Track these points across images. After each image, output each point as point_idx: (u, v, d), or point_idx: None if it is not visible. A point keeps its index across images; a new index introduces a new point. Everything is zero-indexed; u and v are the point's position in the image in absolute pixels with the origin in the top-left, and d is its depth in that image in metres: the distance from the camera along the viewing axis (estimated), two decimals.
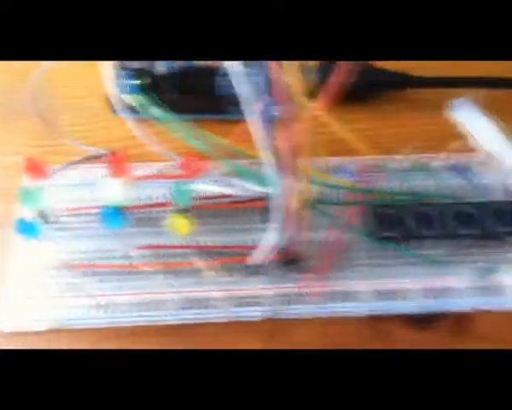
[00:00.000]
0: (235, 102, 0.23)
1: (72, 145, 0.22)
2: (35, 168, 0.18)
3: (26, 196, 0.17)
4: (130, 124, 0.20)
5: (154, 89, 0.22)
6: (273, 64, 0.14)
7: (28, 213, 0.18)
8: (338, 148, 0.22)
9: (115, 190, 0.18)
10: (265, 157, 0.15)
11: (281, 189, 0.15)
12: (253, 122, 0.14)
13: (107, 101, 0.24)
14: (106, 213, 0.17)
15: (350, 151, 0.21)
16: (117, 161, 0.18)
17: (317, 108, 0.18)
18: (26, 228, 0.17)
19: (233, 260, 0.19)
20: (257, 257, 0.17)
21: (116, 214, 0.17)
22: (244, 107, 0.14)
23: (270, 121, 0.15)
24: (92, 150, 0.22)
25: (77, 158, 0.19)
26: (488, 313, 0.20)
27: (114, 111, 0.23)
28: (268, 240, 0.16)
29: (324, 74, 0.18)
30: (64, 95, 0.25)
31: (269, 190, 0.18)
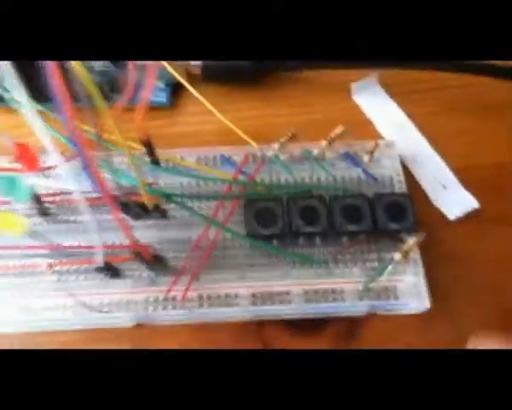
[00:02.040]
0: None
1: None
2: None
3: None
4: None
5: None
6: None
7: None
8: (221, 137, 0.20)
9: None
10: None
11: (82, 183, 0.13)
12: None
13: None
14: None
15: (232, 140, 0.20)
16: None
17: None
18: None
19: (83, 262, 0.17)
20: (99, 258, 0.15)
21: None
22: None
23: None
24: None
25: None
26: (377, 317, 0.18)
27: None
28: (96, 239, 0.14)
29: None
30: None
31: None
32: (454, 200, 0.20)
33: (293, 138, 0.19)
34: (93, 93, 0.12)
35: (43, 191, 0.17)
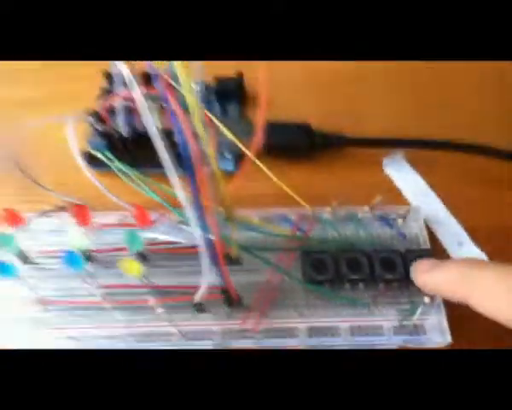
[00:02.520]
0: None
1: (48, 195, 0.25)
2: (12, 217, 0.20)
3: (3, 240, 0.20)
4: (94, 177, 0.23)
5: (118, 146, 0.26)
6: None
7: (5, 256, 0.21)
8: (280, 200, 0.25)
9: (77, 237, 0.21)
10: (187, 208, 0.17)
11: (206, 235, 0.18)
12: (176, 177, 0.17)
13: (81, 155, 0.27)
14: (67, 257, 0.20)
15: (290, 203, 0.25)
16: (79, 212, 0.21)
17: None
18: (3, 269, 0.20)
19: (180, 298, 0.21)
20: (198, 297, 0.20)
21: (76, 258, 0.20)
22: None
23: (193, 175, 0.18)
24: (65, 199, 0.25)
25: (48, 207, 0.22)
26: (410, 350, 0.22)
27: (86, 164, 0.27)
28: (204, 281, 0.19)
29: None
30: (42, 149, 0.28)
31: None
32: (467, 254, 0.25)
33: (340, 203, 0.24)
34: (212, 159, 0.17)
35: (151, 242, 0.22)
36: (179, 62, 0.16)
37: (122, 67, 0.18)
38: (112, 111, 0.26)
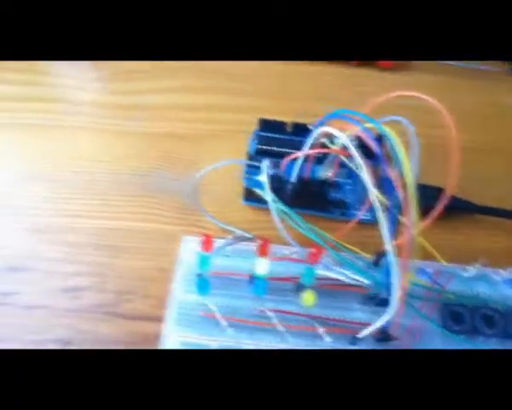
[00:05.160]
0: (340, 205, 0.31)
1: (211, 223, 0.29)
2: (208, 241, 0.24)
3: (202, 260, 0.24)
4: (275, 217, 0.26)
5: (282, 188, 0.30)
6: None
7: (200, 273, 0.25)
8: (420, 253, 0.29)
9: (263, 266, 0.24)
10: (389, 253, 0.21)
11: (398, 282, 0.21)
12: (382, 225, 0.21)
13: (241, 191, 0.31)
14: (255, 282, 0.23)
15: (428, 257, 0.28)
16: (265, 244, 0.25)
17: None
18: (202, 284, 0.24)
19: (345, 330, 0.25)
20: (367, 332, 0.23)
21: (262, 284, 0.23)
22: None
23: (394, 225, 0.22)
24: (226, 228, 0.29)
25: (230, 237, 0.26)
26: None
27: (246, 199, 0.31)
28: (381, 321, 0.22)
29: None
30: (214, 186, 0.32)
31: (365, 279, 0.25)
32: None
33: (474, 262, 0.28)
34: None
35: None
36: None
37: (340, 134, 0.23)
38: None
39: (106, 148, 0.34)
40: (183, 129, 0.35)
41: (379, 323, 0.22)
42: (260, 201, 0.30)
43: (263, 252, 0.25)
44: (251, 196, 0.31)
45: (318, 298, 0.26)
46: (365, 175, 0.22)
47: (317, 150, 0.27)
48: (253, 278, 0.25)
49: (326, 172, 0.30)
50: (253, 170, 0.31)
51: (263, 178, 0.28)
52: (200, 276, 0.25)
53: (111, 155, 0.33)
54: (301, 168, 0.29)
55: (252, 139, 0.33)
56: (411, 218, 0.21)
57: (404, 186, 0.21)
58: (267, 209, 0.28)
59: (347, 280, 0.26)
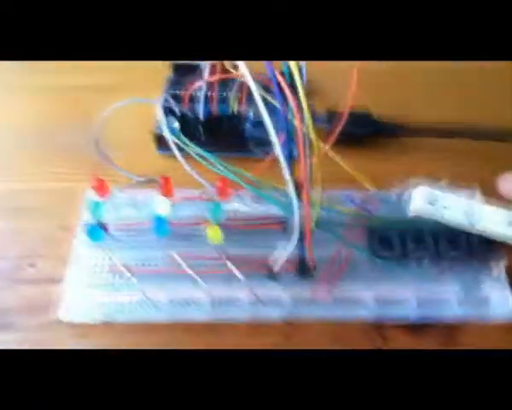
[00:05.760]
0: (258, 143, 0.28)
1: (123, 175, 0.27)
2: (101, 186, 0.22)
3: (93, 207, 0.22)
4: (180, 159, 0.24)
5: (195, 130, 0.27)
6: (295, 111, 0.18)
7: (92, 222, 0.22)
8: (344, 183, 0.26)
9: (164, 206, 0.22)
10: (288, 187, 0.19)
11: (299, 212, 0.19)
12: (279, 159, 0.19)
13: (155, 139, 0.29)
14: (156, 222, 0.21)
15: (354, 184, 0.26)
16: (166, 184, 0.22)
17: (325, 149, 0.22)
18: (93, 232, 0.22)
19: (257, 267, 0.22)
20: (277, 265, 0.21)
21: (163, 225, 0.21)
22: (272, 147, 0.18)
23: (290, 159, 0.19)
24: (140, 180, 0.26)
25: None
26: (474, 323, 0.23)
27: (160, 148, 0.29)
28: (286, 251, 0.20)
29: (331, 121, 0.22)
30: (119, 133, 0.30)
31: (286, 213, 0.23)
32: None
33: (402, 185, 0.26)
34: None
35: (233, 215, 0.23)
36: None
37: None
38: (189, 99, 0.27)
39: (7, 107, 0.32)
40: (89, 81, 0.33)
41: (285, 253, 0.20)
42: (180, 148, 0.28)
43: (165, 191, 0.23)
44: (165, 145, 0.29)
45: (233, 238, 0.23)
46: (260, 105, 0.19)
47: (218, 76, 0.24)
48: (154, 220, 0.22)
49: (234, 105, 0.27)
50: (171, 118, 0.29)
51: (169, 121, 0.26)
52: (89, 224, 0.22)
53: (13, 115, 0.31)
54: (208, 105, 0.26)
55: (165, 84, 0.30)
56: (305, 148, 0.19)
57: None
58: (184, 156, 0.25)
59: (264, 215, 0.24)
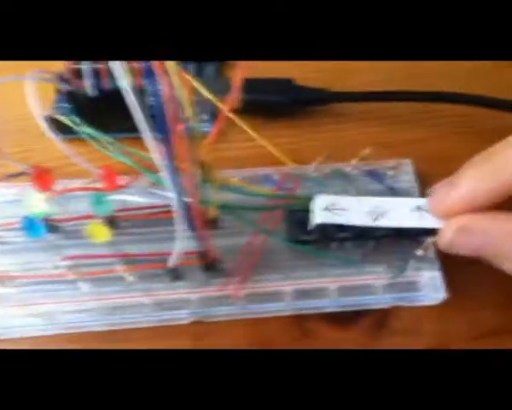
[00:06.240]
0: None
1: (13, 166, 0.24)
2: None
3: None
4: (60, 144, 0.21)
5: (87, 110, 0.24)
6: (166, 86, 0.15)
7: None
8: (261, 160, 0.24)
9: (37, 203, 0.19)
10: (162, 171, 0.16)
11: (181, 198, 0.16)
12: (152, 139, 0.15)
13: (46, 122, 0.25)
14: (26, 223, 0.18)
15: (272, 163, 0.23)
16: (40, 175, 0.19)
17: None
18: None
19: (153, 266, 0.20)
20: (172, 262, 0.18)
21: (36, 225, 0.18)
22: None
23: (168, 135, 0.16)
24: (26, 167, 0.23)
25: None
26: (401, 308, 0.21)
27: (52, 132, 0.25)
28: (179, 246, 0.17)
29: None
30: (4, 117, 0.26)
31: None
32: None
33: (325, 159, 0.23)
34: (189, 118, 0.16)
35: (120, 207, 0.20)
36: None
37: None
38: (78, 74, 0.24)
39: None
40: None
41: (177, 247, 0.17)
42: (72, 131, 0.24)
43: (39, 185, 0.19)
44: (59, 127, 0.25)
45: (126, 232, 0.20)
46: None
47: None
48: (27, 219, 0.19)
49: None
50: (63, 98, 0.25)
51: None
52: None
53: None
54: (98, 79, 0.23)
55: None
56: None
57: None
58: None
59: (164, 203, 0.21)
